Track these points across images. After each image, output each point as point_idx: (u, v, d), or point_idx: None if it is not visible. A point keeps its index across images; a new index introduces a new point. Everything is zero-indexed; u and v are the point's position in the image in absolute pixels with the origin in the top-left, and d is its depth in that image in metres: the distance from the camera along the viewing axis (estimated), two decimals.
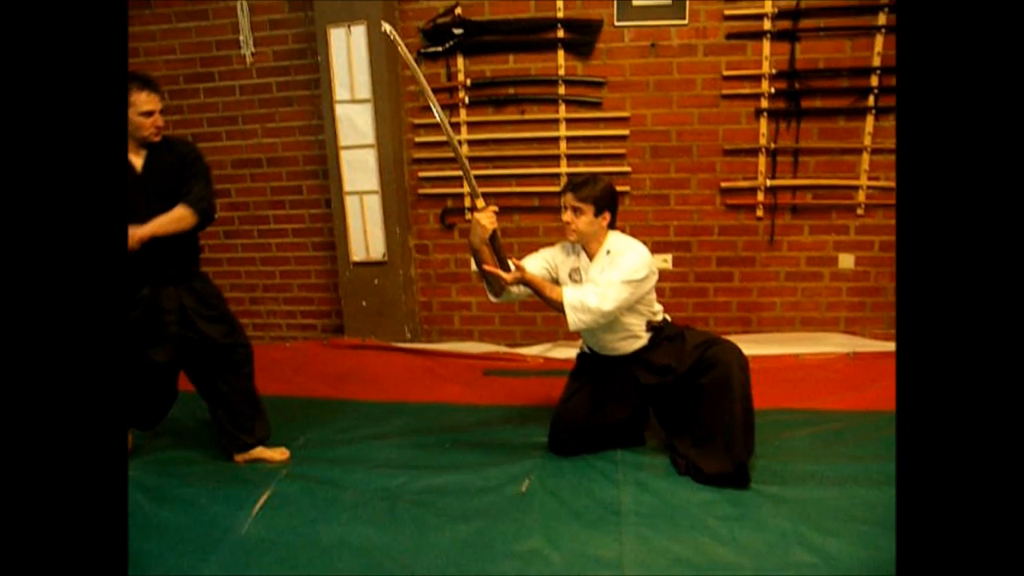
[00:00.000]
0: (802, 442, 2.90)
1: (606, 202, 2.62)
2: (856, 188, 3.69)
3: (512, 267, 2.60)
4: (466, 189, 4.04)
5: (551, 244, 3.96)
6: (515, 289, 2.68)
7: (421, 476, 2.75)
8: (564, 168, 3.89)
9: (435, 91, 3.92)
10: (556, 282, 2.79)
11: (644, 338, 2.79)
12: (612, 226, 2.70)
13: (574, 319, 2.57)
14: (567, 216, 2.63)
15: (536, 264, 2.80)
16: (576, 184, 2.63)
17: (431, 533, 2.39)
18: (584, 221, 2.61)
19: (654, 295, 2.78)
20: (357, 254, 4.10)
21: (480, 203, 2.57)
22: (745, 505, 2.46)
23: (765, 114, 3.64)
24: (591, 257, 2.71)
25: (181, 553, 2.35)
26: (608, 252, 2.66)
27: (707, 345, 2.69)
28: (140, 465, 2.95)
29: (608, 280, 2.57)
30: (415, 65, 2.52)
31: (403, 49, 2.50)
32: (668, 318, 2.90)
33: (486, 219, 2.53)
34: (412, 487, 2.68)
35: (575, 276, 2.75)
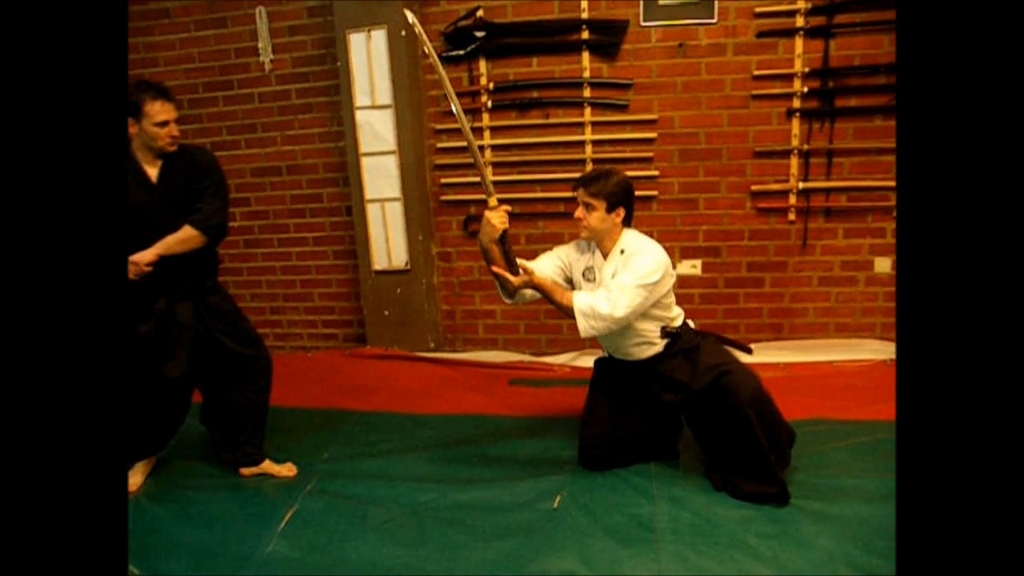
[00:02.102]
0: (840, 455, 2.79)
1: (619, 198, 2.52)
2: (893, 189, 3.57)
3: (520, 270, 2.53)
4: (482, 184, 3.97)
5: None
6: (527, 292, 2.62)
7: (449, 491, 2.68)
8: None
9: (457, 96, 3.88)
10: (570, 281, 2.70)
11: (659, 344, 2.68)
12: (628, 223, 2.60)
13: (585, 326, 2.49)
14: (579, 212, 2.55)
15: (550, 263, 2.73)
16: (587, 179, 2.55)
17: (461, 553, 2.32)
18: (596, 217, 2.52)
19: (671, 299, 2.67)
20: (379, 262, 4.04)
21: (492, 201, 2.48)
22: (786, 522, 2.36)
23: (797, 114, 3.54)
24: (605, 256, 2.62)
25: (205, 573, 2.31)
26: (622, 251, 2.56)
27: (720, 372, 2.53)
28: (163, 479, 2.92)
29: (620, 284, 2.47)
30: (435, 54, 2.43)
31: (424, 39, 2.41)
32: (691, 323, 2.79)
33: (497, 218, 2.46)
34: (440, 503, 2.61)
35: (588, 275, 2.66)
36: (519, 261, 2.54)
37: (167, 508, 2.70)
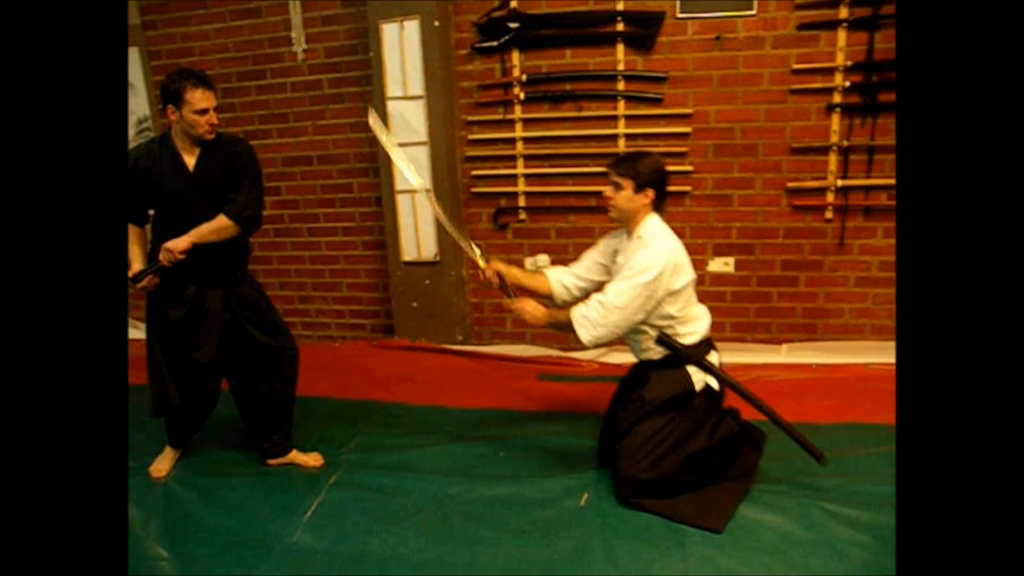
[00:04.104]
0: (874, 461, 2.71)
1: (648, 178, 2.44)
2: None
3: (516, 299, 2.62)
4: (521, 187, 3.94)
5: None
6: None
7: (474, 486, 2.67)
8: None
9: (489, 87, 3.87)
10: (609, 270, 2.63)
11: (656, 352, 2.55)
12: (658, 209, 2.52)
13: (584, 334, 2.45)
14: (607, 190, 2.50)
15: (590, 259, 2.71)
16: (618, 159, 2.52)
17: (486, 549, 2.31)
18: (623, 197, 2.46)
19: (680, 309, 2.47)
20: (408, 254, 4.03)
21: (482, 263, 2.65)
22: (819, 530, 2.30)
23: (838, 110, 3.44)
24: (629, 238, 2.55)
25: (233, 559, 2.33)
26: (640, 237, 2.47)
27: (643, 412, 2.52)
28: (192, 465, 2.95)
29: (615, 284, 2.42)
30: (391, 147, 2.74)
31: (382, 133, 2.73)
32: (715, 355, 2.58)
33: (490, 274, 2.64)
34: (465, 497, 2.60)
35: (616, 257, 2.60)
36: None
37: (195, 494, 2.73)
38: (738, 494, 2.47)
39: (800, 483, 2.52)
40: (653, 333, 2.51)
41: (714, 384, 2.53)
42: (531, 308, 2.57)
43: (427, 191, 2.65)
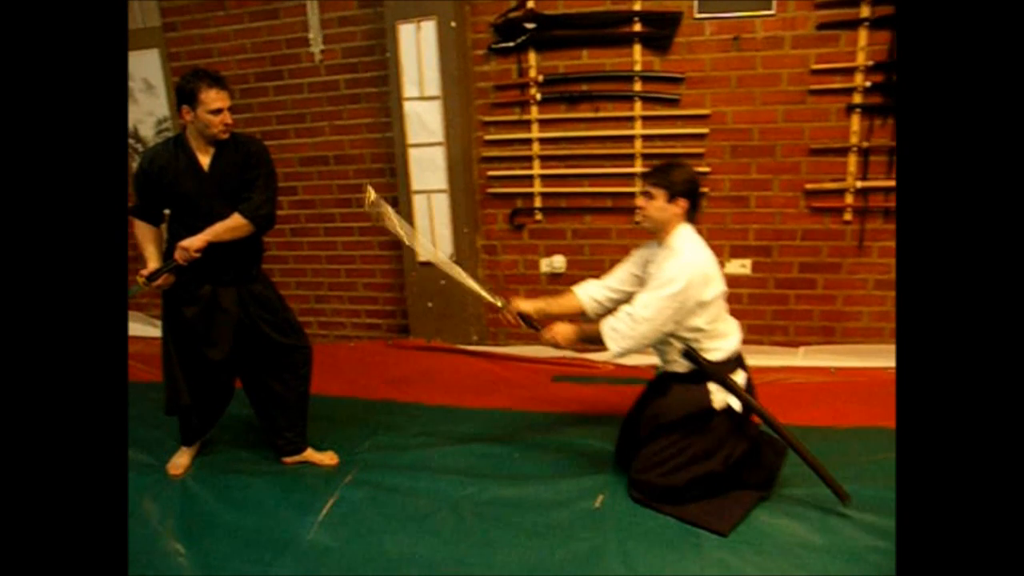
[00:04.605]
0: (892, 466, 2.63)
1: (681, 188, 2.42)
2: None
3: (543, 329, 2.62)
4: (537, 188, 3.94)
5: (623, 247, 3.88)
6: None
7: (489, 486, 2.67)
8: (639, 168, 3.74)
9: (506, 88, 3.87)
10: (641, 281, 2.60)
11: (681, 365, 2.52)
12: (691, 219, 2.50)
13: (613, 346, 2.43)
14: (639, 200, 2.49)
15: (623, 270, 2.69)
16: (652, 169, 2.51)
17: (501, 550, 2.30)
18: (655, 207, 2.44)
19: (707, 323, 2.43)
20: (424, 254, 4.03)
21: (500, 303, 2.66)
22: (837, 534, 2.29)
23: (858, 110, 3.40)
24: (661, 247, 2.53)
25: (248, 557, 2.35)
26: (670, 247, 2.46)
27: (656, 425, 2.53)
28: (209, 462, 2.97)
29: (643, 295, 2.41)
30: (400, 229, 2.66)
31: (391, 215, 2.63)
32: (741, 375, 2.52)
33: (512, 317, 2.66)
34: (480, 498, 2.60)
35: (648, 267, 2.57)
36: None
37: (212, 491, 2.75)
38: (751, 501, 2.45)
39: (818, 488, 2.49)
40: (679, 345, 2.47)
41: (736, 405, 2.47)
42: (561, 333, 2.56)
43: (447, 257, 2.70)
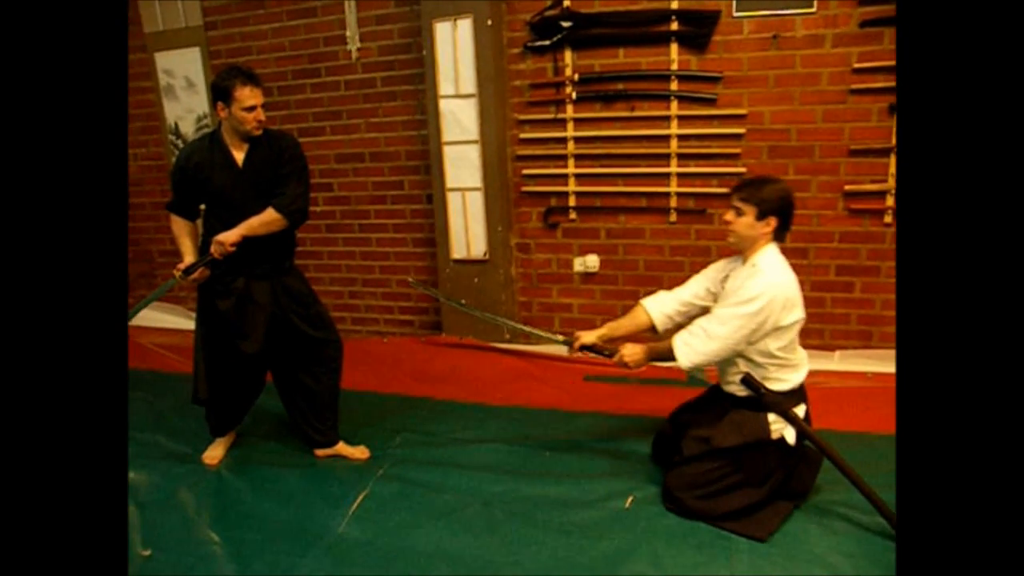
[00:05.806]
0: None
1: (772, 206, 2.33)
2: None
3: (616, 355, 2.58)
4: (571, 187, 3.93)
5: (657, 247, 3.86)
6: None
7: (520, 484, 2.67)
8: (674, 168, 3.71)
9: (541, 86, 3.87)
10: (715, 296, 2.54)
11: (740, 388, 2.46)
12: (780, 238, 2.41)
13: (683, 358, 2.39)
14: (728, 215, 2.41)
15: (697, 284, 2.63)
16: (743, 183, 2.43)
17: (530, 547, 2.31)
18: (744, 223, 2.35)
19: (786, 351, 2.37)
20: (458, 251, 4.05)
21: (563, 343, 2.75)
22: (871, 543, 2.25)
23: None
24: (743, 263, 2.46)
25: (280, 548, 2.38)
26: (754, 264, 2.37)
27: (705, 450, 2.45)
28: (244, 454, 3.02)
29: (719, 313, 2.36)
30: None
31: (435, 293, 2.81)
32: (801, 408, 2.45)
33: (581, 353, 2.69)
34: (510, 495, 2.61)
35: (726, 283, 2.50)
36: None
37: (245, 482, 2.80)
38: (786, 510, 2.41)
39: (852, 494, 2.45)
40: (744, 367, 2.42)
41: (790, 438, 2.41)
42: (629, 355, 2.51)
43: (530, 330, 2.99)
